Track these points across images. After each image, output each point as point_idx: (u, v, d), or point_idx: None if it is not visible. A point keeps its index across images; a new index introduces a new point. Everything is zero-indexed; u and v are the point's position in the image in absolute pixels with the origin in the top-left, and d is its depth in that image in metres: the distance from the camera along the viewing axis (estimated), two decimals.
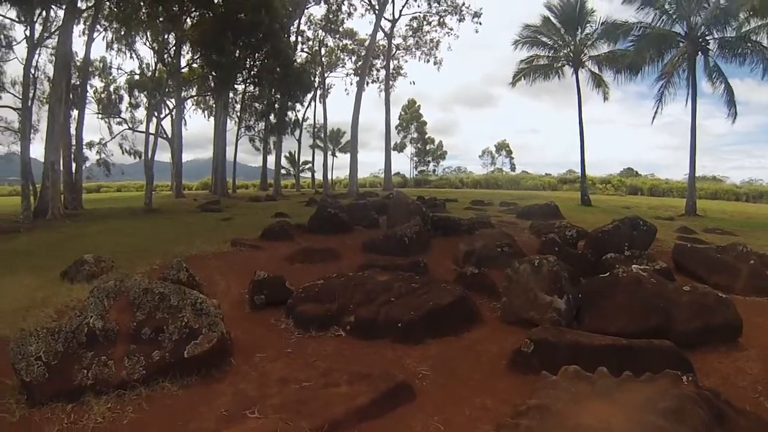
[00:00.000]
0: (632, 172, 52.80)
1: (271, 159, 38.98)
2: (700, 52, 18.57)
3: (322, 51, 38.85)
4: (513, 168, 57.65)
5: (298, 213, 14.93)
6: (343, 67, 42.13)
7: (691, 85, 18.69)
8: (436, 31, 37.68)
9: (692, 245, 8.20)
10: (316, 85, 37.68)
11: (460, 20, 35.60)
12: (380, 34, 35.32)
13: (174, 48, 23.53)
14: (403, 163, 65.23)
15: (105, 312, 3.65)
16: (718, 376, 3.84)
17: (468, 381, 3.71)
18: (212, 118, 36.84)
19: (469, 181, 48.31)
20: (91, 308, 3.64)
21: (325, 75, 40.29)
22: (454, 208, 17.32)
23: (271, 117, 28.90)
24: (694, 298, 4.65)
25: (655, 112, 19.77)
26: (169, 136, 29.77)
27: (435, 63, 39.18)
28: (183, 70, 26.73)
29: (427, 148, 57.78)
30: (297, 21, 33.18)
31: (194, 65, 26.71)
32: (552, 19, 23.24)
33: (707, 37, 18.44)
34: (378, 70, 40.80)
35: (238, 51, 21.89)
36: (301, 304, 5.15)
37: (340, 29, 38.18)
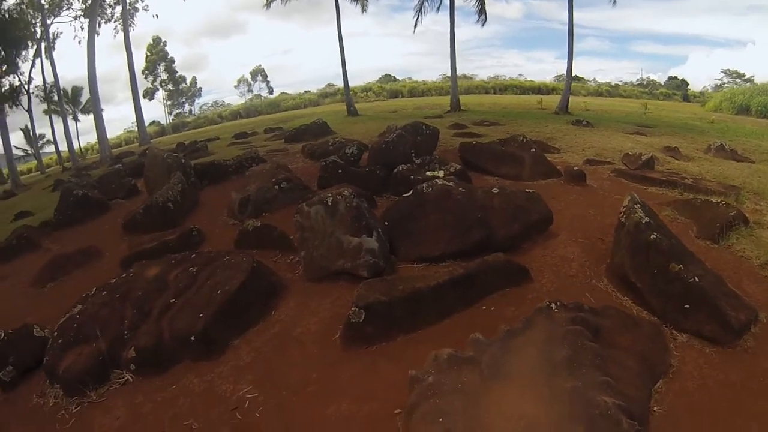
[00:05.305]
0: (390, 77, 55.96)
1: None
2: None
3: None
4: (271, 91, 54.72)
5: (45, 204, 10.80)
6: (69, 8, 32.02)
7: None
8: None
9: (477, 142, 8.33)
10: (38, 36, 28.14)
11: None
12: None
13: None
14: (158, 110, 56.14)
15: None
16: (550, 271, 3.87)
17: (306, 387, 2.94)
18: None
19: (228, 113, 44.47)
20: None
21: (48, 22, 30.12)
22: (218, 147, 15.02)
23: None
24: (506, 201, 4.52)
25: (416, 22, 21.14)
26: None
27: None
28: None
29: (180, 87, 50.91)
30: None
31: None
32: None
33: None
34: (112, 7, 32.34)
35: None
36: (63, 355, 3.53)
37: None
